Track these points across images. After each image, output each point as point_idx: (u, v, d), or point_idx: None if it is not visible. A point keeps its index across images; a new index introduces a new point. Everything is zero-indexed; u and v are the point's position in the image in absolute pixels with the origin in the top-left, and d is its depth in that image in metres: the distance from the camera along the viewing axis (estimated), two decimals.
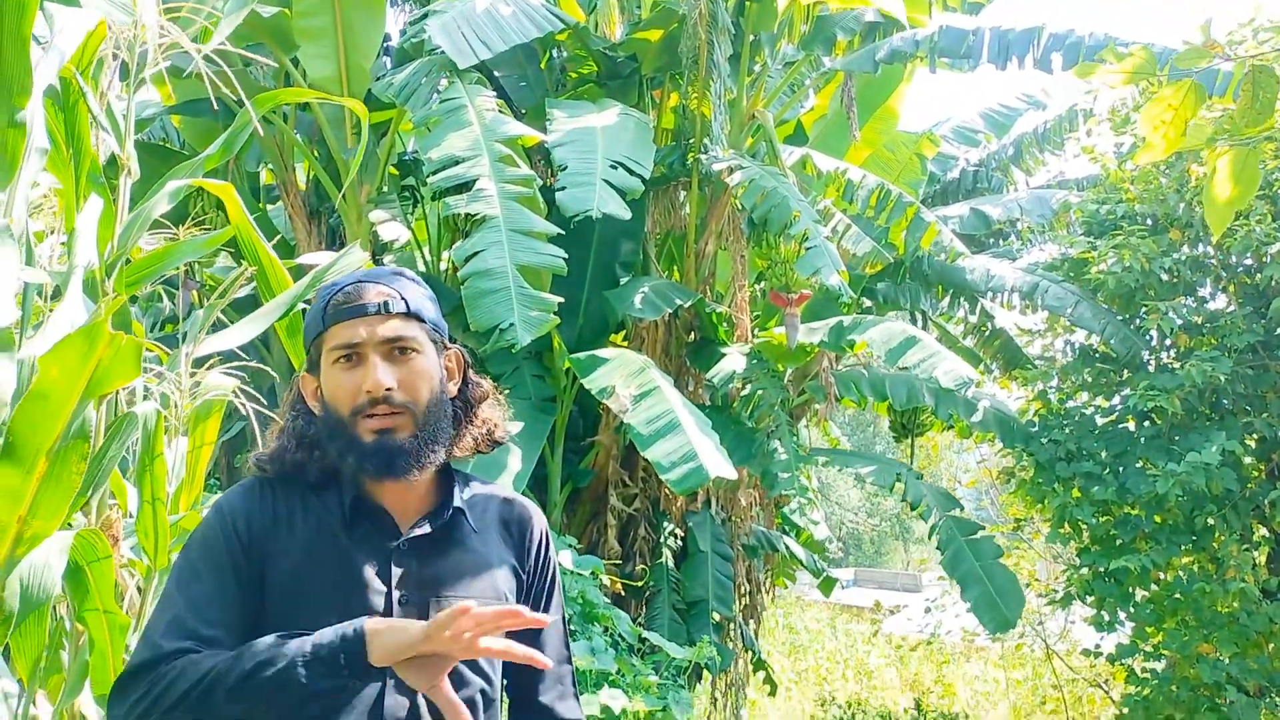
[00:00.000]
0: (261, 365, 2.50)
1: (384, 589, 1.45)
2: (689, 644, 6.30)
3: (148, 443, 1.74)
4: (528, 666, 1.58)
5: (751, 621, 7.98)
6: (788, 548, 7.87)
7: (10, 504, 1.30)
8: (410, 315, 1.51)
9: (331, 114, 6.60)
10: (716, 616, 6.95)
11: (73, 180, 1.85)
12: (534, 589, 1.62)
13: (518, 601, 1.57)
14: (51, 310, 1.89)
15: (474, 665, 1.48)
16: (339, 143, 6.58)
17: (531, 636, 1.59)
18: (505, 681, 1.63)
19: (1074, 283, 7.51)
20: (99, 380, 1.29)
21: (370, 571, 1.45)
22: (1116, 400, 7.54)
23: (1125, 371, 7.40)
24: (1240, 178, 1.70)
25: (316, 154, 6.91)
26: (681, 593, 6.98)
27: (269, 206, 7.86)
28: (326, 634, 1.33)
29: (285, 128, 6.62)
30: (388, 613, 1.43)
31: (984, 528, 7.19)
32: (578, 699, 1.66)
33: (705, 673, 7.39)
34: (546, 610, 1.62)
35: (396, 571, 1.46)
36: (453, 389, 1.57)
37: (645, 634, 5.60)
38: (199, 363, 1.97)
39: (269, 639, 1.34)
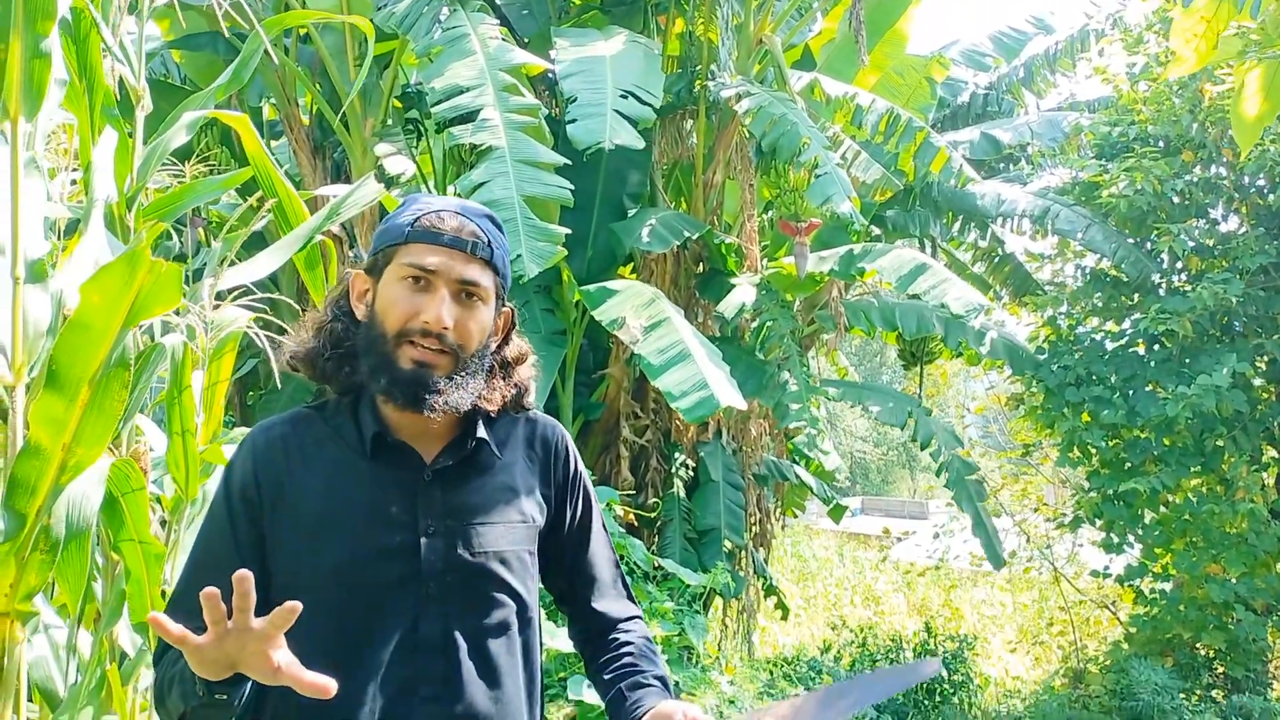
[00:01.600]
0: (274, 298, 2.49)
1: (409, 523, 1.44)
2: (701, 571, 6.37)
3: (176, 375, 1.74)
4: (587, 573, 1.64)
5: (762, 549, 8.07)
6: (798, 476, 7.93)
7: (55, 432, 1.30)
8: (489, 263, 1.49)
9: (333, 46, 6.51)
10: (728, 544, 7.02)
11: (87, 113, 1.83)
12: (568, 502, 1.62)
13: (546, 520, 1.58)
14: (67, 246, 1.89)
15: (506, 586, 1.48)
16: (342, 75, 6.50)
17: (580, 549, 1.62)
18: (558, 593, 1.66)
19: (1085, 206, 7.46)
20: (140, 307, 1.28)
21: (396, 505, 1.45)
22: (1127, 324, 7.53)
23: (1136, 295, 7.39)
24: (1270, 92, 1.67)
25: (319, 87, 6.82)
26: (693, 522, 7.04)
27: (273, 142, 7.79)
28: None
29: (287, 60, 6.53)
30: (414, 546, 1.43)
31: (979, 469, 7.27)
32: (633, 598, 1.68)
33: (718, 599, 7.50)
34: (587, 518, 1.64)
35: (423, 504, 1.46)
36: (493, 344, 1.55)
37: (660, 562, 5.68)
38: (221, 296, 1.96)
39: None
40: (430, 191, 7.78)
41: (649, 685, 1.52)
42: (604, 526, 1.69)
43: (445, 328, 1.43)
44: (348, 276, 1.56)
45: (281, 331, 2.45)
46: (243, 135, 2.02)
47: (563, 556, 1.62)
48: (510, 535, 1.50)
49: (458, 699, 1.43)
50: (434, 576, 1.44)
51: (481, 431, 1.52)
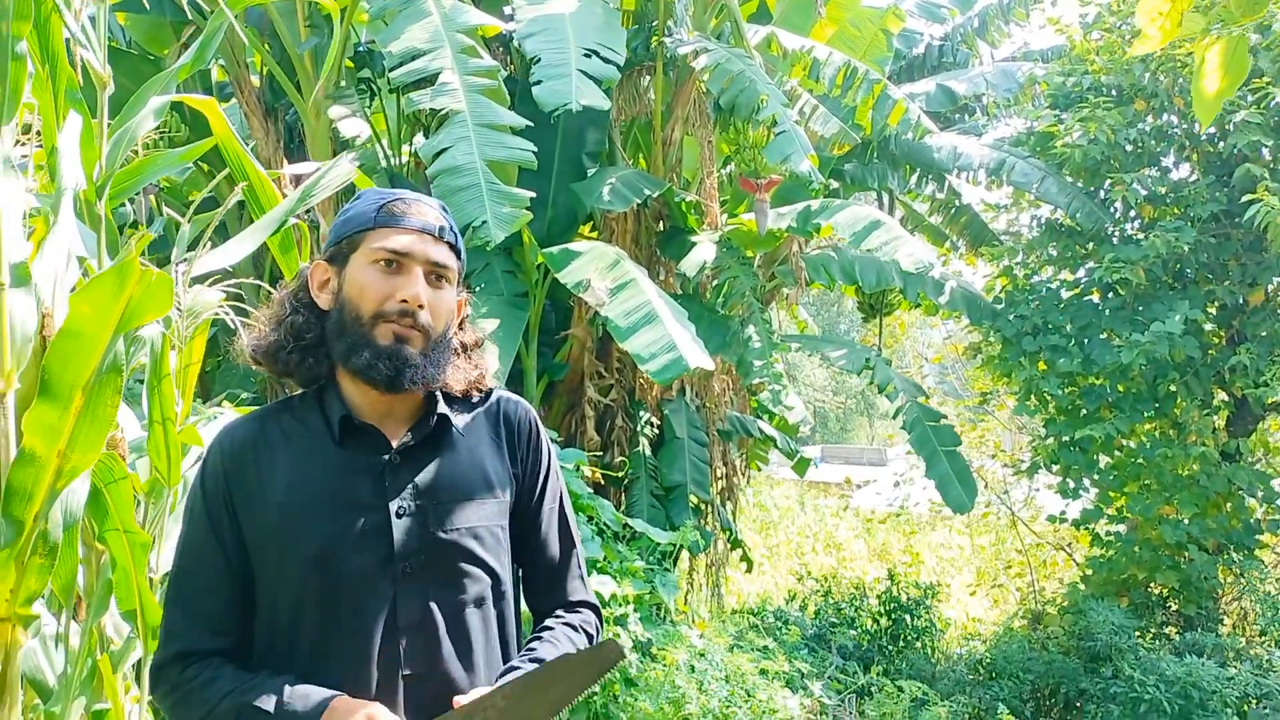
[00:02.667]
0: (240, 280, 2.47)
1: (380, 505, 1.47)
2: (669, 528, 6.45)
3: (155, 364, 1.73)
4: (537, 556, 1.65)
5: (728, 503, 8.16)
6: (761, 431, 8.01)
7: (49, 439, 1.30)
8: (454, 249, 1.56)
9: (283, 7, 6.36)
10: (694, 500, 7.09)
11: (51, 99, 1.80)
12: (528, 481, 1.64)
13: (513, 496, 1.60)
14: (34, 234, 1.86)
15: (480, 561, 1.51)
16: (292, 36, 6.36)
17: (532, 531, 1.64)
18: (519, 571, 1.67)
19: (1040, 157, 7.54)
20: (130, 316, 1.28)
21: (366, 488, 1.48)
22: (1081, 273, 7.67)
23: (1090, 244, 7.51)
24: (1230, 68, 1.71)
25: (269, 48, 6.67)
26: (660, 479, 7.10)
27: (222, 105, 7.62)
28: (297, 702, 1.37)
29: (236, 23, 6.38)
30: (385, 527, 1.46)
31: (945, 416, 7.36)
32: (584, 581, 1.70)
33: (685, 554, 7.59)
34: (541, 499, 1.65)
35: (391, 485, 1.48)
36: (453, 328, 1.59)
37: (628, 521, 5.73)
38: (196, 280, 1.94)
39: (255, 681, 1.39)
40: (386, 152, 7.68)
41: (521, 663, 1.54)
42: (564, 509, 1.70)
43: (421, 306, 1.47)
44: (304, 269, 1.59)
45: (245, 314, 2.43)
46: (211, 119, 1.99)
47: (521, 529, 1.64)
48: (480, 511, 1.53)
49: (438, 676, 1.47)
50: (408, 556, 1.47)
51: (442, 407, 1.56)
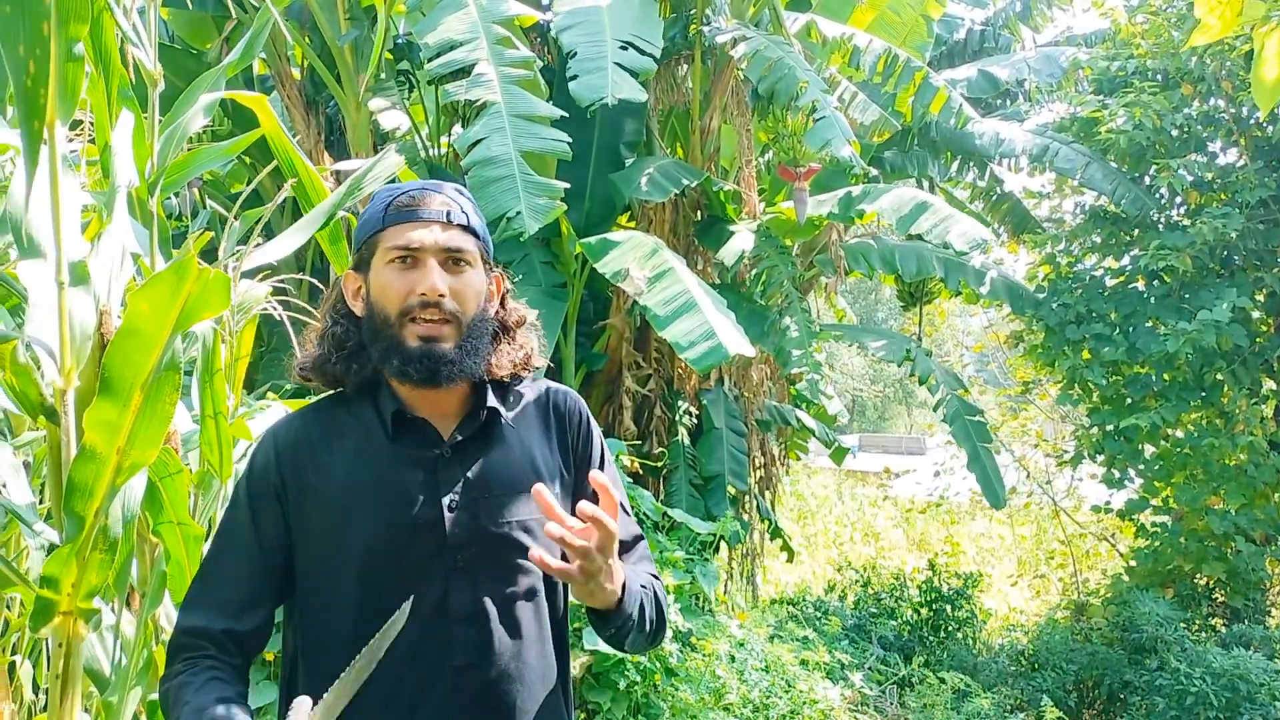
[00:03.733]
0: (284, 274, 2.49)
1: (433, 498, 1.48)
2: (707, 518, 6.44)
3: (207, 359, 1.75)
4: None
5: (767, 493, 8.15)
6: (799, 420, 7.98)
7: (109, 437, 1.32)
8: (468, 229, 1.54)
9: (323, 0, 6.40)
10: (732, 490, 7.08)
11: (104, 98, 1.81)
12: (580, 470, 1.64)
13: (566, 487, 1.60)
14: (88, 230, 1.88)
15: (527, 553, 1.49)
16: (332, 29, 6.40)
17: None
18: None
19: (1084, 143, 7.43)
20: (188, 314, 1.30)
21: (417, 482, 1.49)
22: (1126, 260, 7.56)
23: (1135, 231, 7.40)
24: None
25: (309, 41, 6.73)
26: (698, 469, 7.10)
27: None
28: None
29: (265, 11, 6.42)
30: (438, 520, 1.47)
31: (982, 413, 7.31)
32: (649, 560, 1.68)
33: (724, 543, 7.59)
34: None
35: (444, 479, 1.50)
36: (492, 309, 1.59)
37: (667, 511, 5.73)
38: (246, 275, 1.97)
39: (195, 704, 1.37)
40: (425, 144, 7.72)
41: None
42: (619, 492, 1.69)
43: (441, 295, 1.47)
44: (338, 281, 1.61)
45: (289, 307, 2.45)
46: (260, 115, 2.01)
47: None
48: (532, 504, 1.52)
49: (490, 666, 1.48)
50: (460, 548, 1.48)
51: (492, 400, 1.56)
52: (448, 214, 1.51)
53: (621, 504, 1.68)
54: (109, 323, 1.45)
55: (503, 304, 1.63)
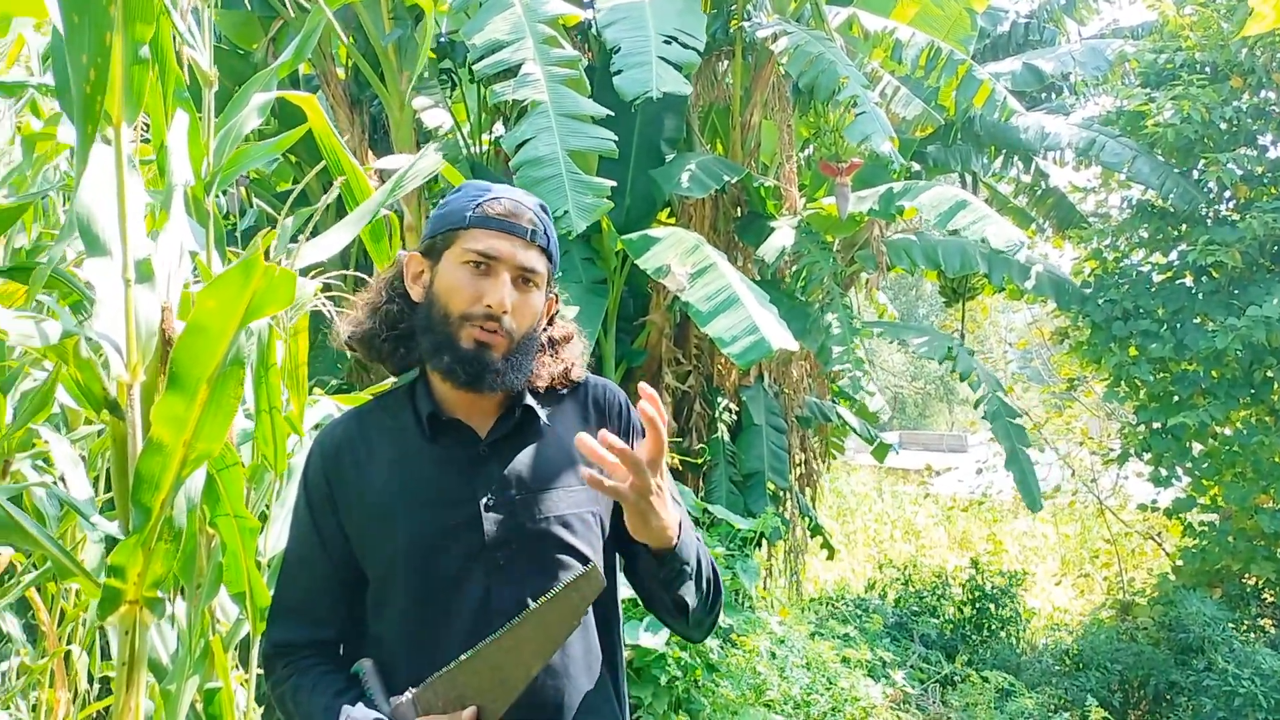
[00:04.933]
0: (330, 271, 2.52)
1: (470, 498, 1.50)
2: (747, 514, 6.44)
3: (263, 355, 1.79)
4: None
5: (807, 490, 8.12)
6: (840, 416, 7.95)
7: (176, 430, 1.36)
8: (546, 251, 1.55)
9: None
10: (772, 487, 7.07)
11: (161, 98, 1.86)
12: None
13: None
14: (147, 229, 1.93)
15: (570, 549, 1.52)
16: (376, 29, 6.46)
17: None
18: (618, 542, 1.63)
19: (1131, 137, 7.33)
20: (254, 310, 1.33)
21: (455, 482, 1.51)
22: (1174, 256, 7.45)
23: (1183, 226, 7.29)
24: None
25: (354, 41, 6.79)
26: (738, 465, 7.09)
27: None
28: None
29: (317, 12, 6.49)
30: (476, 520, 1.48)
31: (1022, 414, 7.24)
32: (701, 543, 1.67)
33: (763, 540, 7.58)
34: None
35: (480, 478, 1.51)
36: (540, 326, 1.60)
37: (708, 507, 5.74)
38: (300, 273, 2.00)
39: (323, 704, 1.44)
40: (466, 141, 7.77)
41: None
42: (664, 481, 1.69)
43: (505, 311, 1.48)
44: (401, 257, 1.61)
45: (337, 302, 2.49)
46: (310, 115, 2.04)
47: (619, 514, 1.64)
48: (570, 498, 1.54)
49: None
50: (500, 547, 1.49)
51: (528, 399, 1.57)
52: (532, 232, 1.52)
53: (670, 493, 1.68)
54: (169, 319, 1.48)
55: (550, 321, 1.65)
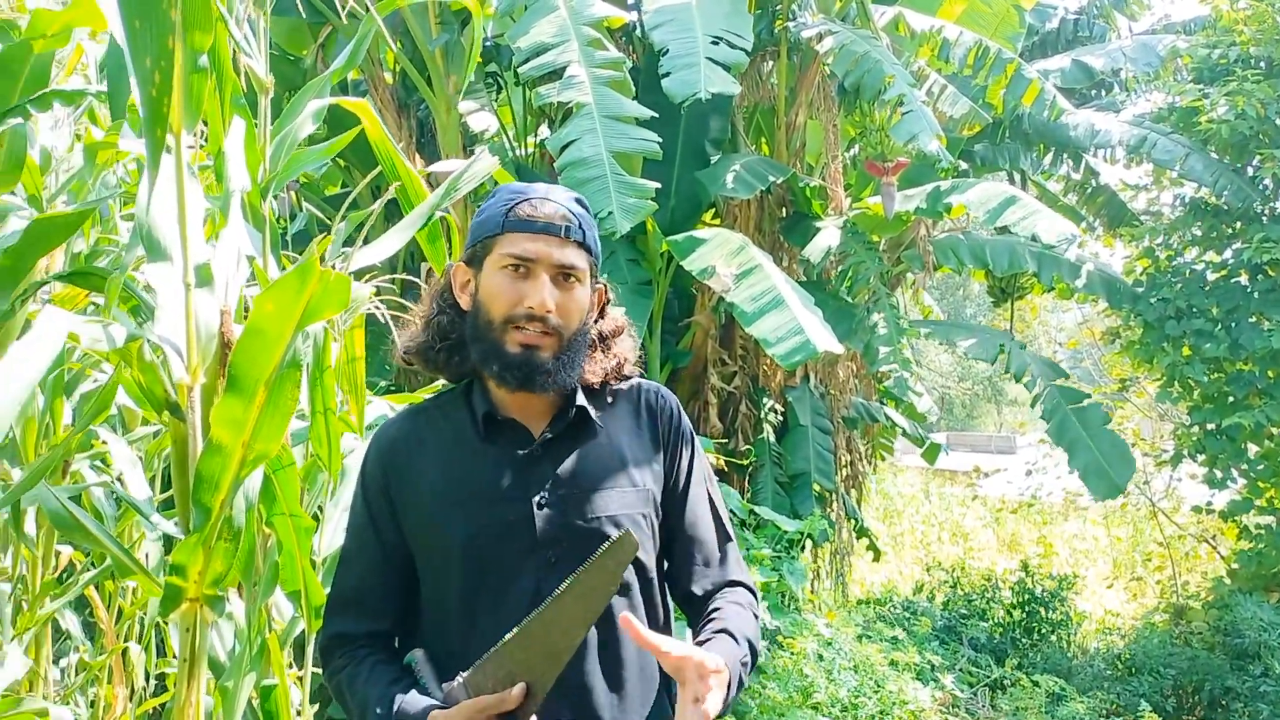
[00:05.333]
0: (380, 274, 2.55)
1: (523, 496, 1.51)
2: (793, 516, 6.42)
3: (318, 357, 1.82)
4: (689, 540, 1.63)
5: (853, 491, 8.08)
6: (888, 417, 7.89)
7: (235, 431, 1.39)
8: (583, 245, 1.55)
9: (414, 4, 6.53)
10: (818, 488, 7.04)
11: (218, 105, 1.89)
12: (673, 467, 1.65)
13: (659, 484, 1.61)
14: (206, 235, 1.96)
15: None
16: (424, 33, 6.53)
17: (682, 516, 1.63)
18: (665, 553, 1.65)
19: (1183, 134, 7.21)
20: (310, 313, 1.35)
21: (507, 480, 1.52)
22: (1228, 254, 7.32)
23: (1238, 224, 7.16)
24: None
25: (401, 46, 6.86)
26: (784, 466, 7.06)
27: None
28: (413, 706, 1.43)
29: (369, 20, 6.56)
30: (529, 518, 1.50)
31: (1090, 395, 7.09)
32: (740, 563, 1.68)
33: (809, 542, 7.55)
34: (689, 484, 1.65)
35: (534, 477, 1.53)
36: (592, 320, 1.61)
37: (754, 509, 5.73)
38: (356, 276, 2.03)
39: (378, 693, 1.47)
40: (511, 144, 7.82)
41: (710, 635, 1.52)
42: (712, 493, 1.69)
43: (549, 311, 1.49)
44: (449, 269, 1.63)
45: (388, 305, 2.52)
46: (365, 121, 2.07)
47: (668, 517, 1.64)
48: (622, 499, 1.55)
49: (582, 660, 1.49)
50: (551, 545, 1.50)
51: (581, 399, 1.58)
52: (566, 229, 1.52)
53: (713, 497, 1.69)
54: (228, 322, 1.51)
55: (601, 314, 1.65)
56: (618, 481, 1.56)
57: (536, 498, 1.51)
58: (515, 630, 1.34)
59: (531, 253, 1.50)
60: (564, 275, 1.52)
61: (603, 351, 1.63)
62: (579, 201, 1.59)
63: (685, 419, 1.70)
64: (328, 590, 1.68)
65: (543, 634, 1.33)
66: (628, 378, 1.67)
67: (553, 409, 1.59)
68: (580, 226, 1.55)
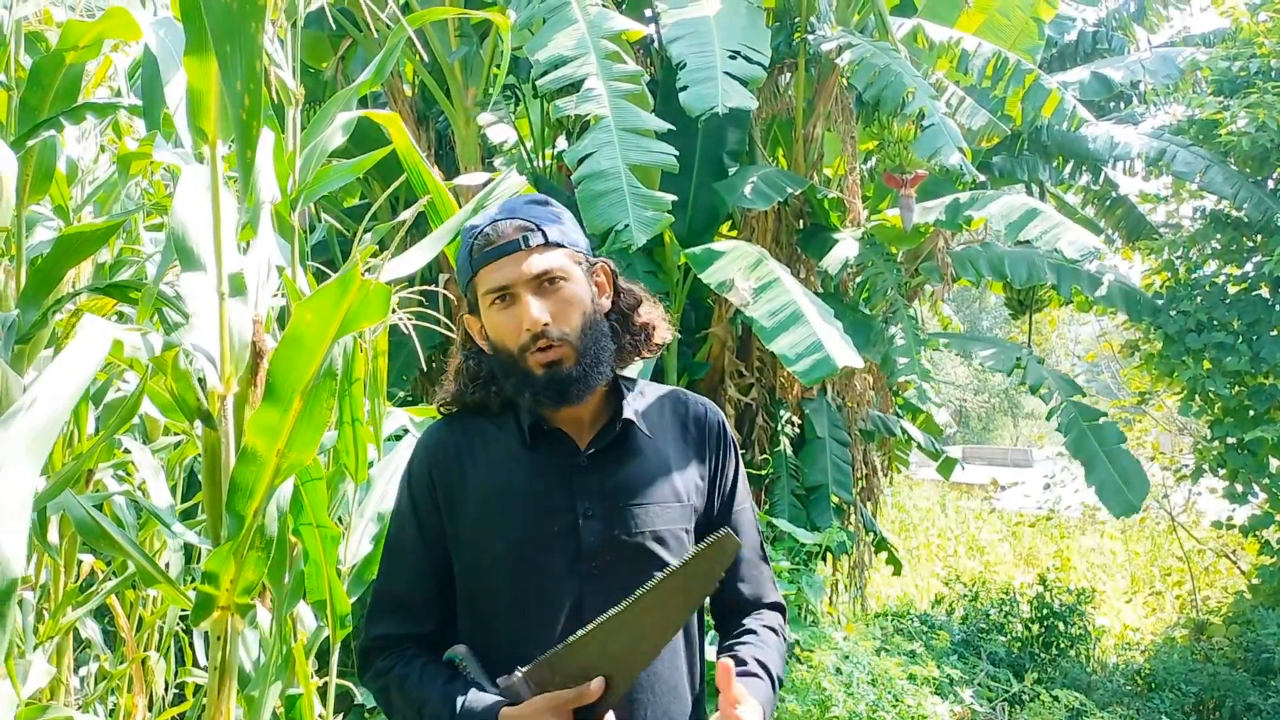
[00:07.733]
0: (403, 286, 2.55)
1: (569, 507, 1.52)
2: (810, 528, 6.40)
3: (346, 367, 1.83)
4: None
5: (869, 504, 8.05)
6: (904, 430, 7.87)
7: (270, 439, 1.39)
8: (550, 244, 1.52)
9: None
10: (835, 500, 7.01)
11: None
12: (719, 483, 1.65)
13: (703, 499, 1.62)
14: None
15: (663, 565, 1.51)
16: (443, 46, 6.56)
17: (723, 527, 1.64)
18: None
19: (1203, 146, 7.18)
20: (348, 323, 1.36)
21: (554, 491, 1.53)
22: (1249, 267, 7.28)
23: (1259, 237, 7.13)
24: None
25: (420, 58, 6.90)
26: (800, 479, 7.04)
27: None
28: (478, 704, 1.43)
29: (399, 31, 6.60)
30: (574, 529, 1.51)
31: (1107, 414, 7.05)
32: (774, 582, 1.71)
33: (828, 555, 7.52)
34: (733, 501, 1.66)
35: (579, 489, 1.53)
36: (605, 303, 1.60)
37: (772, 520, 5.71)
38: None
39: (436, 694, 1.47)
40: (529, 156, 7.85)
41: (747, 659, 1.56)
42: (751, 508, 1.71)
43: (545, 324, 1.48)
44: (461, 321, 1.65)
45: (419, 316, 2.52)
46: (393, 133, 2.08)
47: (711, 530, 1.64)
48: (665, 514, 1.55)
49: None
50: (593, 557, 1.51)
51: (628, 412, 1.58)
52: (524, 238, 1.50)
53: (752, 515, 1.70)
54: (259, 332, 1.53)
55: (616, 292, 1.63)
56: (662, 496, 1.57)
57: (582, 509, 1.52)
58: (591, 625, 1.33)
59: (502, 280, 1.50)
60: (545, 282, 1.51)
61: (626, 329, 1.62)
62: (536, 201, 1.58)
63: (730, 434, 1.71)
64: (353, 600, 1.69)
65: (629, 628, 1.32)
66: (662, 343, 1.65)
67: (599, 418, 1.59)
68: (539, 228, 1.52)
